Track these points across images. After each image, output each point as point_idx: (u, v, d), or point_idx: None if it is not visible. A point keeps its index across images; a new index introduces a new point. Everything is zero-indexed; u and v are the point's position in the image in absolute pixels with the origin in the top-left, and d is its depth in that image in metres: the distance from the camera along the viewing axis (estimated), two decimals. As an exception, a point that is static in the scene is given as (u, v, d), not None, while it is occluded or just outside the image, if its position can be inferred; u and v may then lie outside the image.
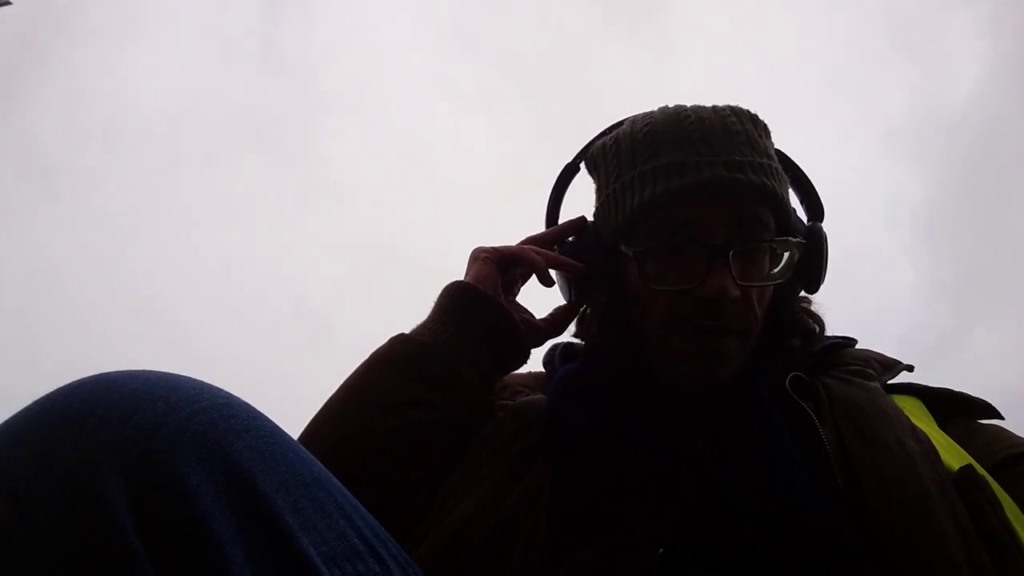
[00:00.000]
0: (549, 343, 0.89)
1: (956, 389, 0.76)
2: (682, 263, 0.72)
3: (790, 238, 0.75)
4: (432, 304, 0.81)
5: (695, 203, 0.72)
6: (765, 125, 0.78)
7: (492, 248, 0.83)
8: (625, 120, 0.83)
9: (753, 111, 0.78)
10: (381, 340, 0.78)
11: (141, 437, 0.37)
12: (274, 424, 0.45)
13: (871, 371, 0.75)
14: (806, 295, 0.84)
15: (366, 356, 0.77)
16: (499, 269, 0.81)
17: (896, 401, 0.71)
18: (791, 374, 0.73)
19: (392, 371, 0.75)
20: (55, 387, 0.40)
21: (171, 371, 0.44)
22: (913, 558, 0.55)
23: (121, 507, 0.35)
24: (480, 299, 0.78)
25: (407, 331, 0.78)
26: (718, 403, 0.71)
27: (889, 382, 0.77)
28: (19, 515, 0.34)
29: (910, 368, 0.79)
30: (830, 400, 0.69)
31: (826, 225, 0.83)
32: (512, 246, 0.84)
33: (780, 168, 0.77)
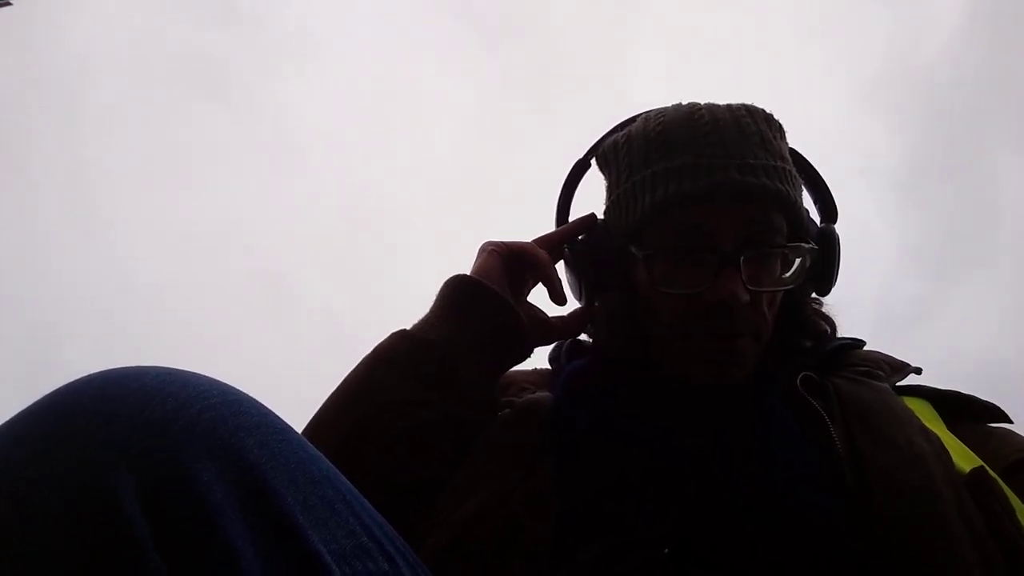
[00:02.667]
0: None
1: (964, 392, 0.76)
2: (692, 266, 0.72)
3: (802, 244, 0.75)
4: (434, 297, 0.79)
5: (706, 206, 0.71)
6: (780, 125, 0.77)
7: (500, 242, 0.81)
8: (638, 117, 0.83)
9: (768, 111, 0.77)
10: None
11: (150, 434, 0.37)
12: (284, 421, 0.45)
13: (880, 372, 0.76)
14: (817, 297, 0.83)
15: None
16: (506, 264, 0.80)
17: (905, 403, 0.71)
18: (802, 374, 0.73)
19: (391, 369, 0.73)
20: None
21: (177, 366, 0.43)
22: (924, 558, 0.55)
23: (131, 505, 0.35)
24: (482, 293, 0.76)
25: (408, 327, 0.77)
26: (723, 402, 0.71)
27: (898, 384, 0.76)
28: (20, 515, 0.34)
29: (918, 371, 0.79)
30: (840, 400, 0.69)
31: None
32: (521, 242, 0.83)
33: (794, 170, 0.76)
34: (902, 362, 0.79)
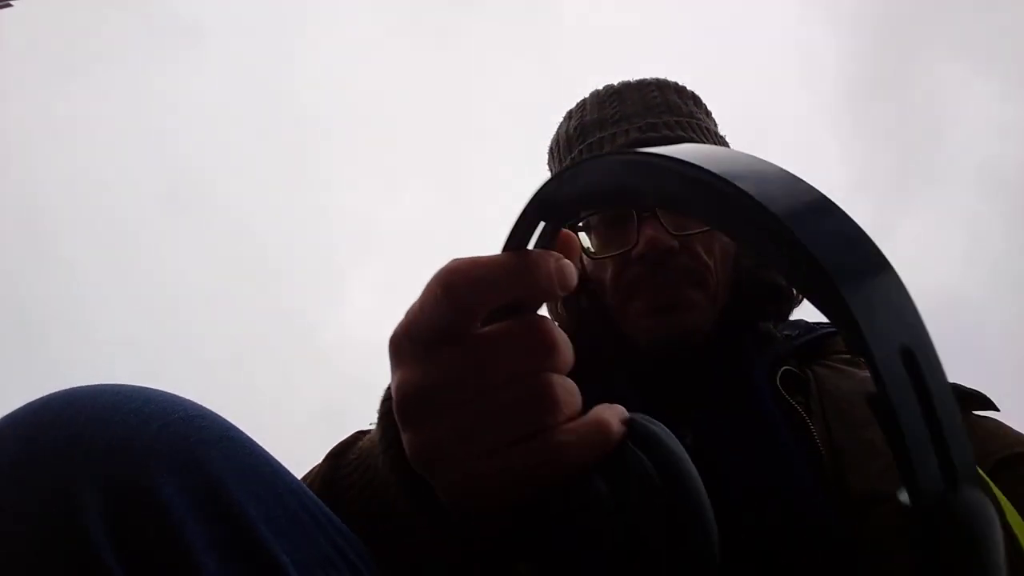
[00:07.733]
0: None
1: (950, 381, 0.75)
2: (619, 231, 0.75)
3: None
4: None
5: None
6: (693, 94, 0.83)
7: None
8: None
9: (682, 83, 0.84)
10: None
11: (113, 454, 0.37)
12: (248, 437, 0.45)
13: (863, 360, 0.74)
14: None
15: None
16: None
17: None
18: (782, 368, 0.72)
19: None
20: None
21: (140, 384, 0.43)
22: (902, 558, 0.54)
23: (96, 529, 0.35)
24: None
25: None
26: (710, 386, 0.71)
27: None
28: None
29: None
30: (820, 393, 0.69)
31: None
32: None
33: (709, 127, 0.80)
34: None
